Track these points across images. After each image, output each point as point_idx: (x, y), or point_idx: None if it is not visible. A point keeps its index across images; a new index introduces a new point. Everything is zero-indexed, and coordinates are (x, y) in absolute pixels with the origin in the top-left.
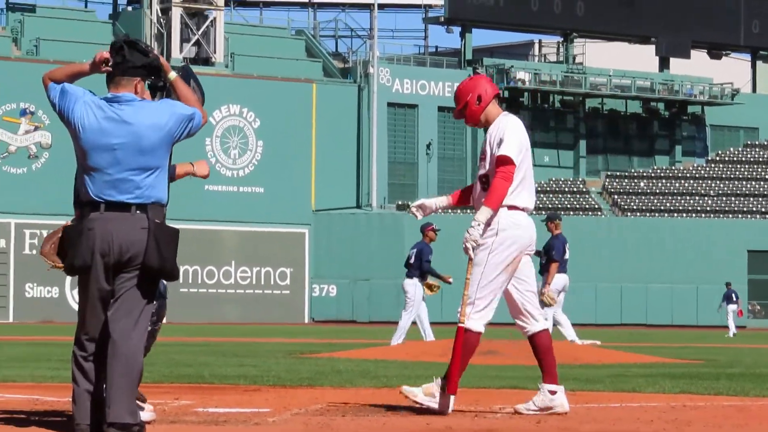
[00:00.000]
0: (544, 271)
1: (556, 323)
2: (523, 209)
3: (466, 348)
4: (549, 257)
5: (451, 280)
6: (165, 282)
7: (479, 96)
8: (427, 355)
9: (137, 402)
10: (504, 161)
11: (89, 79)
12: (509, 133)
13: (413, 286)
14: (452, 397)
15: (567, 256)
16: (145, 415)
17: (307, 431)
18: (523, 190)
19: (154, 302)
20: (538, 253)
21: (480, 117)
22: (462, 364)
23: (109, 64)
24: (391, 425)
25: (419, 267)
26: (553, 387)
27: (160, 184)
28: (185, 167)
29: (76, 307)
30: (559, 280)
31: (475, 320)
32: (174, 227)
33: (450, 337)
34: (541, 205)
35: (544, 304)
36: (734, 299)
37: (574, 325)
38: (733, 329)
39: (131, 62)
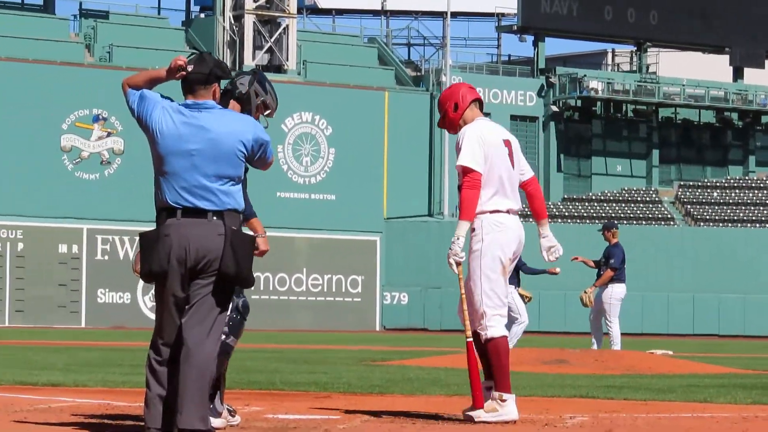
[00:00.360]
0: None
1: (608, 332)
2: (506, 212)
3: (500, 356)
4: (608, 265)
5: (557, 270)
6: (244, 301)
7: (456, 104)
8: None
9: (223, 408)
10: (463, 171)
11: (168, 87)
12: (465, 142)
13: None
14: (514, 396)
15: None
16: (216, 422)
17: None
18: (501, 193)
19: (228, 311)
20: (597, 264)
21: (458, 124)
22: (505, 370)
23: (186, 71)
24: None
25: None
26: (505, 395)
27: (237, 193)
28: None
29: (147, 312)
30: (620, 289)
31: (495, 327)
32: (250, 234)
33: (529, 346)
34: (613, 214)
35: (583, 303)
36: None
37: (645, 335)
38: None
39: (210, 71)
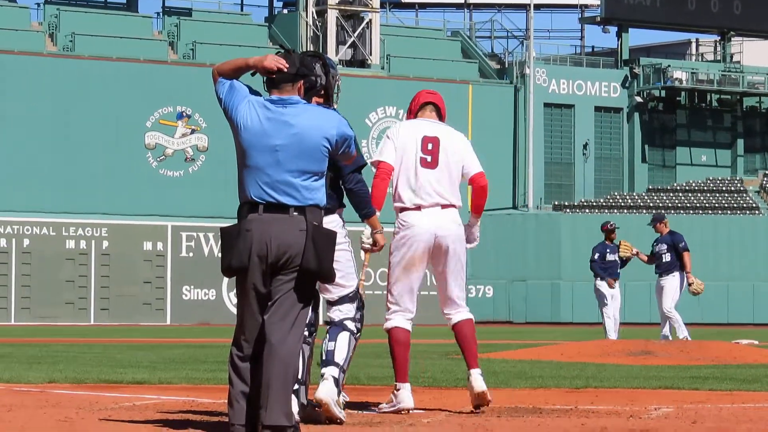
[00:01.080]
0: (664, 271)
1: (670, 320)
2: (415, 208)
3: (392, 347)
4: (678, 251)
5: (635, 253)
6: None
7: (410, 108)
8: (583, 356)
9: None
10: (372, 164)
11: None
12: (383, 139)
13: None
14: (407, 386)
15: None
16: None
17: None
18: (404, 189)
19: (310, 306)
20: (650, 260)
21: None
22: (398, 361)
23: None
24: (546, 426)
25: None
26: (399, 384)
27: (320, 189)
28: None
29: (233, 309)
30: (676, 280)
31: (391, 320)
32: (331, 230)
33: (627, 338)
34: (698, 204)
35: (695, 294)
36: None
37: (731, 324)
38: None
39: (297, 69)
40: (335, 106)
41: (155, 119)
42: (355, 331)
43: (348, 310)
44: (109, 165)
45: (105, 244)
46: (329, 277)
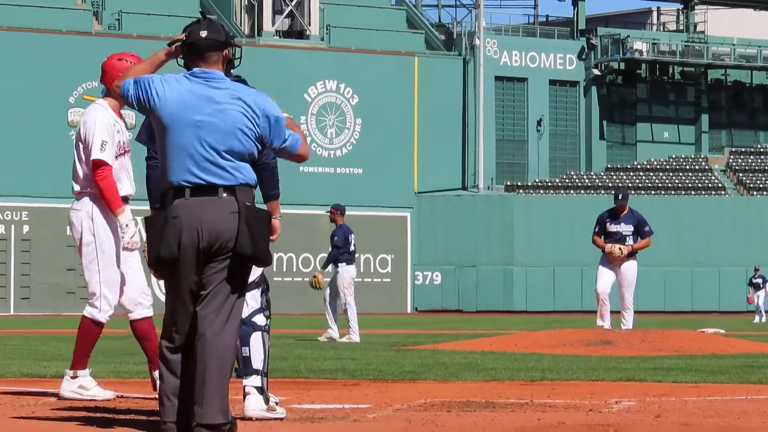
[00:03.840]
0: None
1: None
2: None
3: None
4: (642, 234)
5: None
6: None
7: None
8: (538, 347)
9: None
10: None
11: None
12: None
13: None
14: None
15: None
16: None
17: (409, 428)
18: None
19: (245, 296)
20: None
21: None
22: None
23: (186, 42)
24: (500, 421)
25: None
26: (80, 372)
27: (247, 167)
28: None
29: (163, 297)
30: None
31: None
32: (265, 210)
33: (572, 327)
34: (660, 184)
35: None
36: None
37: (695, 312)
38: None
39: (215, 37)
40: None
41: (79, 94)
42: (265, 324)
43: (254, 299)
44: (29, 144)
45: (26, 228)
46: (265, 260)
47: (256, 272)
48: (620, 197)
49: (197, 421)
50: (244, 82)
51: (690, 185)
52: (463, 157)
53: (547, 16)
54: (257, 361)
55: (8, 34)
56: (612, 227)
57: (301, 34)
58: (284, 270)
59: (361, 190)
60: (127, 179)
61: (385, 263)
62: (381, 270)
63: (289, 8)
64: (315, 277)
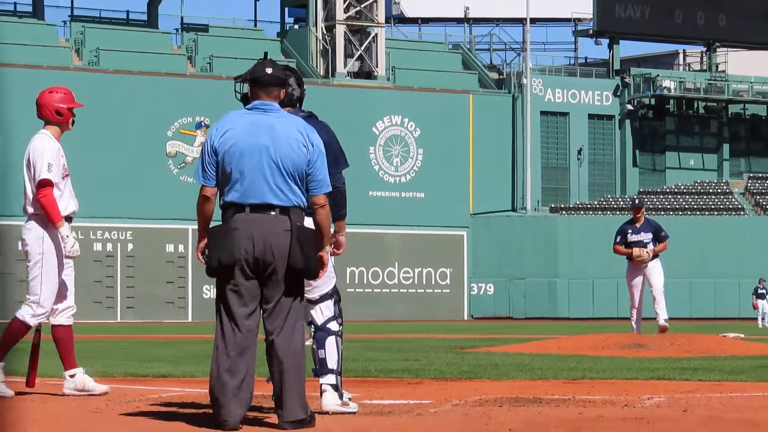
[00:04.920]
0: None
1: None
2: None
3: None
4: (660, 239)
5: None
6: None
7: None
8: (579, 349)
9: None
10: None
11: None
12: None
13: None
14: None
15: None
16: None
17: (466, 421)
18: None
19: (302, 299)
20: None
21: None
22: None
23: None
24: (546, 415)
25: None
26: (72, 371)
27: (301, 191)
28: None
29: None
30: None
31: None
32: (313, 229)
33: (609, 332)
34: (686, 206)
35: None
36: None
37: (718, 319)
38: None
39: (278, 74)
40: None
41: (175, 129)
42: (338, 330)
43: (328, 308)
44: (132, 172)
45: (130, 246)
46: (314, 274)
47: (329, 284)
48: (636, 201)
49: (282, 419)
50: (314, 117)
51: (713, 206)
52: (513, 182)
53: (585, 58)
54: (332, 362)
55: (116, 76)
56: (633, 237)
57: (369, 75)
58: (356, 282)
59: (423, 212)
60: (71, 198)
61: (444, 276)
62: (441, 282)
63: (359, 52)
64: None
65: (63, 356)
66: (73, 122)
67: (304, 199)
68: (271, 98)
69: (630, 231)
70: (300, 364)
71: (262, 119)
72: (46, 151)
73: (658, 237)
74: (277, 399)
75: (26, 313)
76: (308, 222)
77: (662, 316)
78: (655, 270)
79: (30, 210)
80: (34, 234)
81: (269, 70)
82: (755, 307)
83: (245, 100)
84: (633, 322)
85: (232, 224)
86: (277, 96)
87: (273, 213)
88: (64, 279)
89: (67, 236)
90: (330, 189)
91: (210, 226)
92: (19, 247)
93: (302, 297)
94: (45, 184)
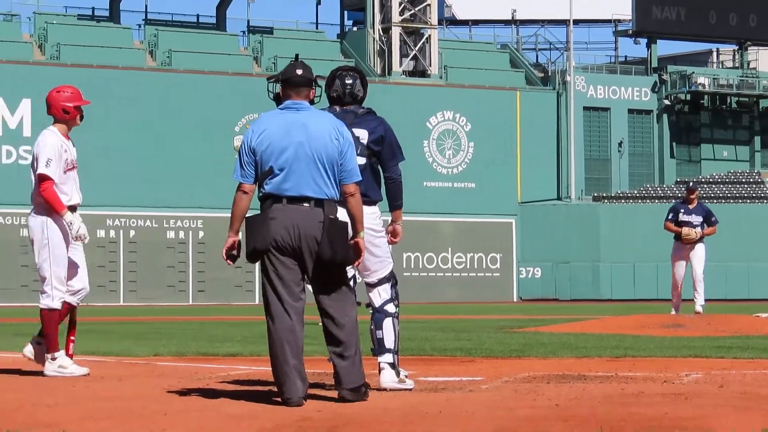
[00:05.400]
0: (699, 240)
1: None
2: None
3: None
4: (710, 223)
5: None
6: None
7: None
8: (621, 329)
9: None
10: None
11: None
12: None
13: None
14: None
15: None
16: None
17: (516, 397)
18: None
19: (348, 279)
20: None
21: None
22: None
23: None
24: (591, 391)
25: None
26: (57, 354)
27: (334, 185)
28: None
29: (309, 288)
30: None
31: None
32: (344, 221)
33: (650, 313)
34: (721, 195)
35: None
36: None
37: (752, 300)
38: None
39: (307, 75)
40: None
41: (242, 125)
42: (395, 311)
43: (385, 291)
44: (203, 165)
45: (201, 234)
46: (344, 263)
47: (386, 269)
48: (691, 184)
49: (343, 386)
50: (373, 113)
51: (746, 195)
52: (558, 173)
53: (625, 57)
54: (389, 342)
55: (187, 76)
56: (684, 217)
57: (423, 73)
58: (411, 266)
59: (474, 201)
60: (75, 190)
61: (494, 261)
62: (491, 266)
63: (414, 52)
64: None
65: (49, 338)
66: (82, 118)
67: (337, 192)
68: (301, 97)
69: (682, 211)
70: (354, 339)
71: (295, 118)
72: (47, 147)
73: (708, 221)
74: (336, 372)
75: (46, 300)
76: (341, 214)
77: (699, 302)
78: (699, 253)
79: (36, 200)
80: (38, 221)
81: (299, 72)
82: None
83: (277, 99)
84: (672, 303)
85: (270, 213)
86: (307, 95)
87: (308, 205)
88: (74, 259)
89: (71, 222)
90: (359, 178)
91: (247, 216)
92: (27, 235)
93: (345, 280)
94: (44, 179)
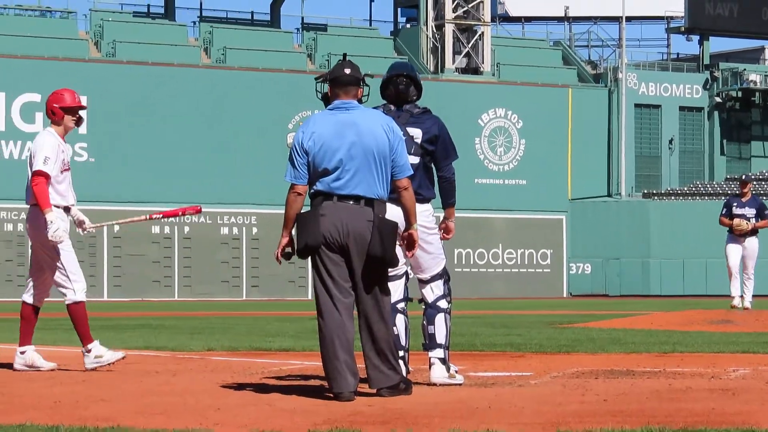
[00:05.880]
0: (751, 233)
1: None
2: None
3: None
4: (763, 216)
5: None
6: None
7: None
8: (670, 325)
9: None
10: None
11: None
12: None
13: None
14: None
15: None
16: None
17: (564, 392)
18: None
19: (387, 278)
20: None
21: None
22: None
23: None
24: (639, 386)
25: None
26: (90, 345)
27: (384, 183)
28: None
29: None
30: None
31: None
32: (393, 221)
33: (698, 308)
34: (753, 194)
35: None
36: None
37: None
38: None
39: (355, 74)
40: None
41: (296, 122)
42: (447, 307)
43: (438, 287)
44: (256, 162)
45: (254, 230)
46: (392, 262)
47: (439, 265)
48: (744, 177)
49: (381, 386)
50: (428, 112)
51: None
52: (608, 170)
53: (677, 54)
54: (440, 337)
55: (241, 72)
56: (737, 210)
57: (476, 71)
58: (463, 262)
59: (526, 197)
60: (70, 192)
61: (545, 256)
62: (542, 262)
63: (466, 49)
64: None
65: (22, 332)
66: (78, 122)
67: (387, 191)
68: (349, 96)
69: (735, 204)
70: (392, 337)
71: (345, 117)
72: (45, 146)
73: (762, 214)
74: (367, 373)
75: (71, 296)
76: (391, 212)
77: (747, 298)
78: (753, 248)
79: (32, 201)
80: (42, 221)
81: (347, 71)
82: None
83: (325, 99)
84: (732, 290)
85: (320, 211)
86: (355, 95)
87: (358, 204)
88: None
89: (52, 222)
90: (411, 172)
91: (298, 213)
92: (23, 230)
93: (386, 280)
94: (39, 174)
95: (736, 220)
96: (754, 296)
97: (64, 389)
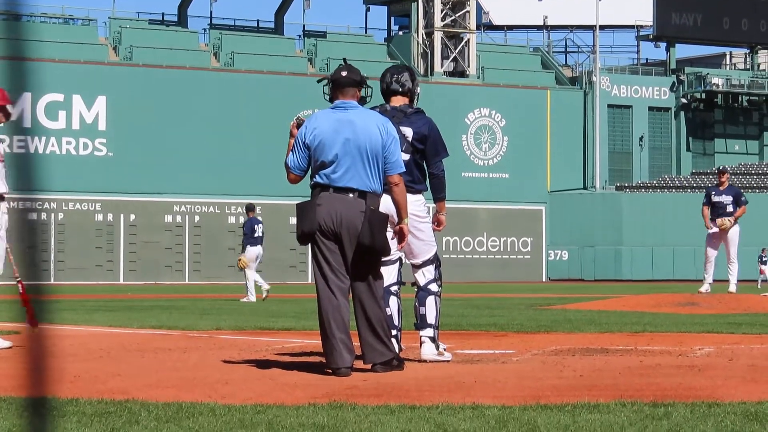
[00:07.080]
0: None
1: (732, 268)
2: None
3: None
4: (739, 203)
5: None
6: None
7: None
8: (640, 306)
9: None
10: None
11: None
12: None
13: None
14: None
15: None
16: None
17: (544, 368)
18: None
19: (379, 265)
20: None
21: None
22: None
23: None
24: (612, 363)
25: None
26: None
27: (377, 178)
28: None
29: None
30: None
31: None
32: (384, 213)
33: (666, 292)
34: (730, 183)
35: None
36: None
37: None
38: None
39: (352, 77)
40: (416, 104)
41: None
42: (438, 290)
43: (429, 272)
44: (260, 157)
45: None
46: (383, 252)
47: (431, 252)
48: (721, 167)
49: (375, 362)
50: (422, 112)
51: (755, 185)
52: (584, 165)
53: (646, 59)
54: (431, 318)
55: (248, 75)
56: (716, 198)
57: (462, 74)
58: (451, 249)
59: (508, 190)
60: (1, 181)
61: (526, 244)
62: (523, 249)
63: (454, 54)
64: (240, 260)
65: None
66: (7, 117)
67: (380, 185)
68: (348, 97)
69: (714, 193)
70: (382, 315)
71: (344, 116)
72: None
73: (738, 201)
74: (362, 350)
75: None
76: (385, 204)
77: (732, 282)
78: (733, 233)
79: None
80: None
81: (344, 74)
82: (762, 272)
83: (332, 100)
84: (706, 276)
85: (317, 201)
86: (354, 95)
87: (352, 195)
88: None
89: None
90: (403, 169)
91: (298, 202)
92: None
93: (379, 267)
94: None
95: (718, 221)
96: (739, 280)
97: (84, 365)
